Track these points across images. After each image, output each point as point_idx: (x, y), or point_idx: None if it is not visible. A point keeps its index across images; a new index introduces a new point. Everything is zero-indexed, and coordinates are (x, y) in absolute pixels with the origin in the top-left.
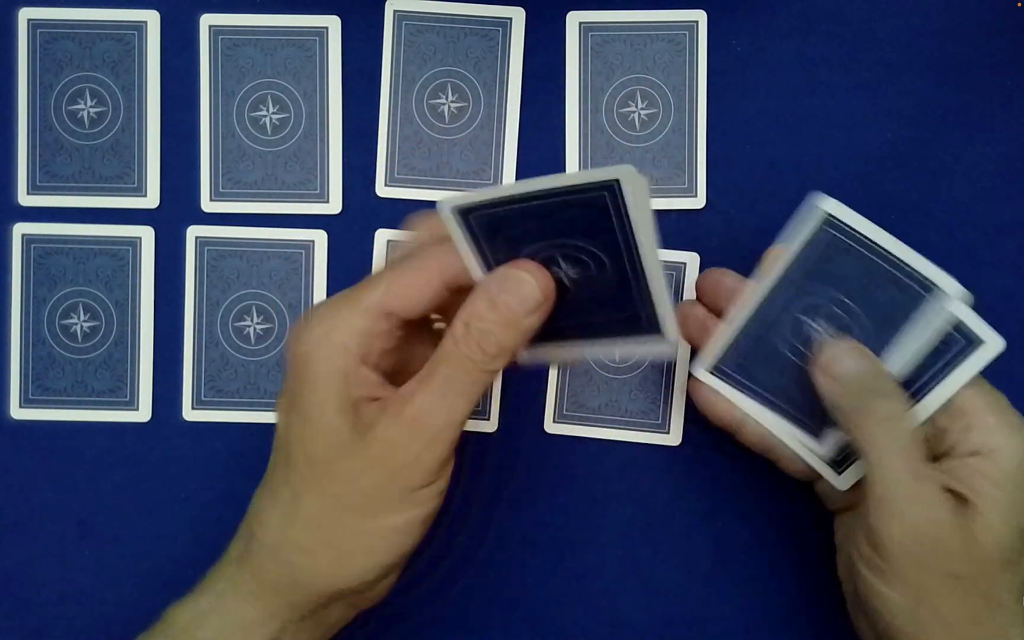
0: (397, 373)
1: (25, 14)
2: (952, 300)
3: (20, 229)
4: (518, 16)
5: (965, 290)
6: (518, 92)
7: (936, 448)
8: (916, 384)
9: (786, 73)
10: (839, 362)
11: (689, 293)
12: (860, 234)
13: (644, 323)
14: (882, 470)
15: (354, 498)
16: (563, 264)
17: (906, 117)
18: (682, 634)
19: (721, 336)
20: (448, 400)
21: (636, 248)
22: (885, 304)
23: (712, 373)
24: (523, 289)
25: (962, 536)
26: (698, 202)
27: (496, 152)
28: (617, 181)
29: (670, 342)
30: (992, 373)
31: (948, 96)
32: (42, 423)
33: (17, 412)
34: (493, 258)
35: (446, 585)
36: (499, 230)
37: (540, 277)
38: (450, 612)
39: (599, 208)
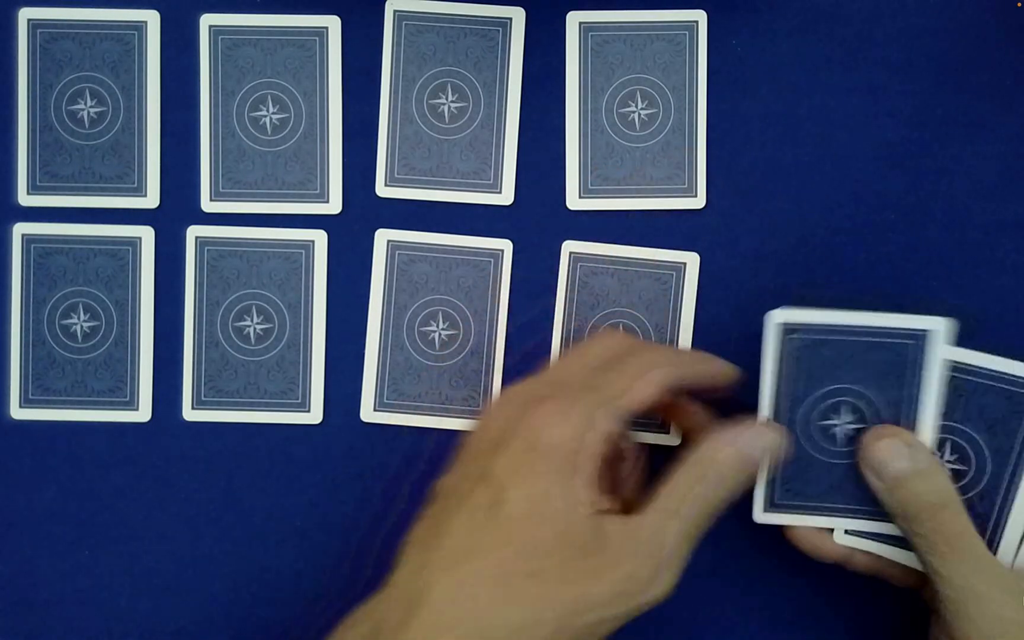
0: None
1: (25, 14)
2: (940, 332)
3: (20, 229)
4: (518, 16)
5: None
6: (518, 92)
7: None
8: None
9: (786, 73)
10: (882, 461)
11: (689, 295)
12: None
13: None
14: (942, 576)
15: (584, 610)
16: (844, 415)
17: (906, 117)
18: None
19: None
20: (685, 526)
21: (917, 414)
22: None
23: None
24: (777, 451)
25: None
26: (698, 202)
27: (496, 152)
28: (927, 332)
29: None
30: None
31: (948, 96)
32: (42, 423)
33: (17, 412)
34: (783, 386)
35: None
36: (805, 357)
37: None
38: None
39: (900, 358)
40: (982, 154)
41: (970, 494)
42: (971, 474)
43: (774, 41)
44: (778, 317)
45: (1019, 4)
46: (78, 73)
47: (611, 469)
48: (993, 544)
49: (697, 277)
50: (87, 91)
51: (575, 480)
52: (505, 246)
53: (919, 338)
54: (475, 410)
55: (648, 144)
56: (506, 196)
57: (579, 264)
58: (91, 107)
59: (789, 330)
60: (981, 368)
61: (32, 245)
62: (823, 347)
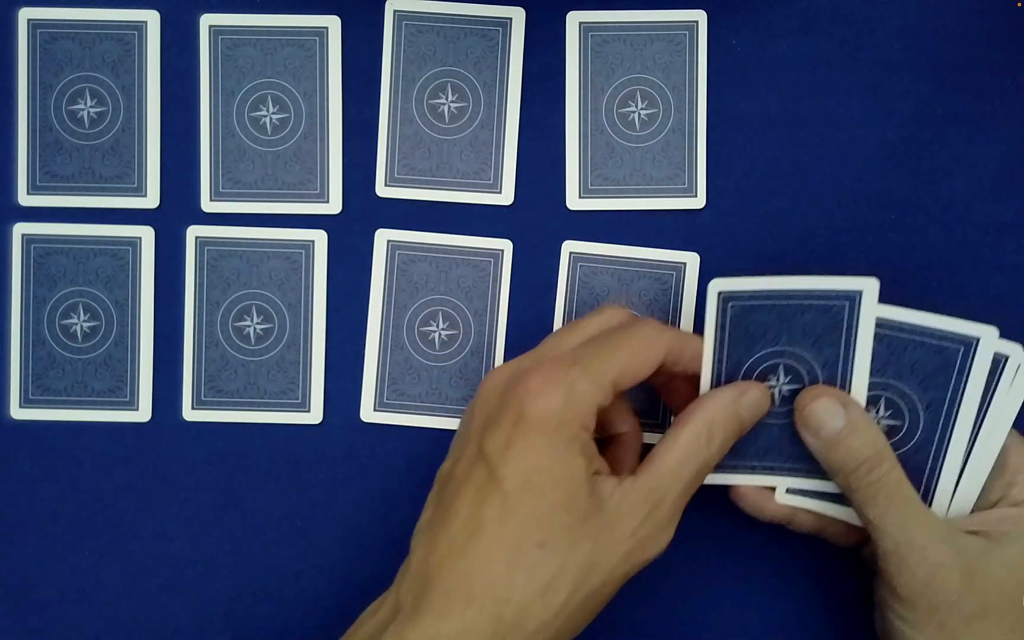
0: None
1: (25, 14)
2: (873, 292)
3: (20, 229)
4: (518, 16)
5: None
6: (518, 92)
7: (981, 503)
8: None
9: (786, 73)
10: (818, 420)
11: (689, 295)
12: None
13: None
14: (880, 529)
15: (595, 577)
16: (782, 376)
17: (906, 117)
18: None
19: None
20: (682, 483)
21: (852, 372)
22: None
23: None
24: (762, 407)
25: (972, 579)
26: (698, 202)
27: (496, 152)
28: (860, 293)
29: None
30: None
31: (948, 96)
32: (42, 423)
33: (17, 412)
34: (725, 352)
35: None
36: (743, 323)
37: (768, 398)
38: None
39: (835, 319)
40: (982, 154)
41: (904, 448)
42: (905, 428)
43: (774, 41)
44: (717, 286)
45: (1019, 4)
46: (78, 73)
47: (607, 450)
48: (928, 495)
49: (697, 277)
50: (87, 91)
51: (566, 448)
52: (505, 246)
53: (852, 298)
54: None
55: (648, 144)
56: (506, 196)
57: (579, 264)
58: (91, 107)
59: (728, 298)
60: (912, 324)
61: (32, 245)
62: (760, 311)
